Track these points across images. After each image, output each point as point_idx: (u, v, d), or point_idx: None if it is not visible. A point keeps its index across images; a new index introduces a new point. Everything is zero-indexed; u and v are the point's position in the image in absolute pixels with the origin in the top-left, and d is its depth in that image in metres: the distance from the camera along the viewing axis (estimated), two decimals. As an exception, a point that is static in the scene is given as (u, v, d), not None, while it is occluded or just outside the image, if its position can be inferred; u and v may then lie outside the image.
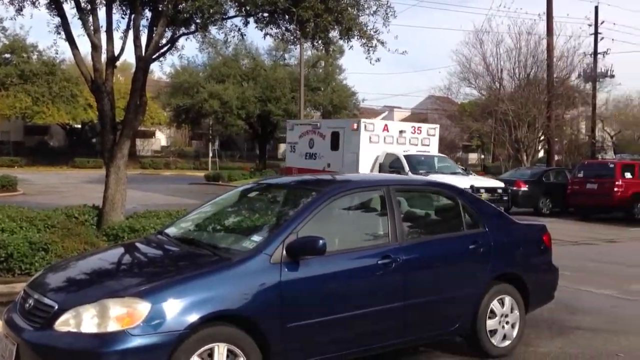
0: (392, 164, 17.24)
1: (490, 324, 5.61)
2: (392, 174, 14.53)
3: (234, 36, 10.79)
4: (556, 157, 36.92)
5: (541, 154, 34.94)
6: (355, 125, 18.01)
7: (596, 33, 32.50)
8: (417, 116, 59.03)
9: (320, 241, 4.43)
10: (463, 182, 15.28)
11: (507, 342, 5.71)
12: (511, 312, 5.76)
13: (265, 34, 10.62)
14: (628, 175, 18.79)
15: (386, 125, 18.60)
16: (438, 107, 41.34)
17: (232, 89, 39.06)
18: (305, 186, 5.77)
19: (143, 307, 3.86)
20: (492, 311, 5.63)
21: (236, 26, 10.68)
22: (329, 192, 5.08)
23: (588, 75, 32.07)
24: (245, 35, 11.70)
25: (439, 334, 5.52)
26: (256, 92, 39.96)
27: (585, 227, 17.26)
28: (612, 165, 19.61)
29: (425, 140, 18.65)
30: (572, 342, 6.16)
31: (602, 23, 32.76)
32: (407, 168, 16.69)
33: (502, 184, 17.65)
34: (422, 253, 5.30)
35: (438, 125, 20.56)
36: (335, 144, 18.75)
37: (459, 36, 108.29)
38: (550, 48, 26.93)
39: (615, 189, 18.37)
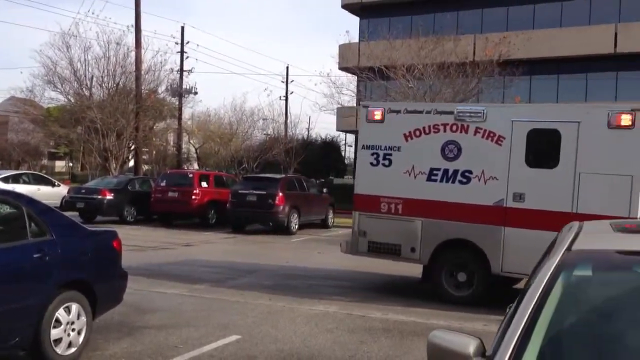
0: None
1: (55, 333, 5.53)
2: None
3: None
4: (146, 167, 38.22)
5: (132, 163, 35.63)
6: (627, 118, 8.19)
7: (182, 52, 34.95)
8: (-3, 118, 53.27)
9: None
10: None
11: (72, 350, 5.71)
12: (78, 319, 5.78)
13: None
14: (204, 184, 20.74)
15: None
16: (19, 109, 38.19)
17: None
18: None
19: None
20: (57, 320, 5.55)
21: None
22: None
23: (175, 90, 34.22)
24: None
25: (-3, 351, 5.17)
26: None
27: (167, 233, 18.36)
28: (190, 175, 21.38)
29: None
30: (138, 341, 6.54)
31: (187, 43, 35.44)
32: None
33: None
34: (-25, 265, 4.89)
35: None
36: (542, 156, 8.82)
37: (44, 36, 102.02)
38: (138, 60, 27.78)
39: (193, 197, 20.07)
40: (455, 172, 9.13)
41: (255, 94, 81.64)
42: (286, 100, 44.07)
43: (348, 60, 30.41)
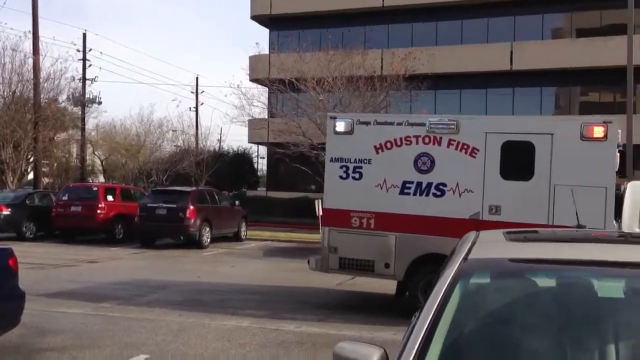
0: None
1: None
2: None
3: None
4: (47, 180, 36.37)
5: (31, 176, 33.86)
6: (600, 130, 8.35)
7: (84, 59, 33.70)
8: None
9: None
10: None
11: (-36, 378, 5.35)
12: (-30, 344, 5.42)
13: None
14: (110, 198, 20.02)
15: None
16: None
17: None
18: None
19: None
20: (-53, 347, 5.18)
21: None
22: None
23: (77, 99, 32.92)
24: None
25: None
26: None
27: (70, 250, 17.54)
28: (95, 188, 20.57)
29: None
30: (38, 365, 6.21)
31: (90, 50, 34.20)
32: None
33: None
34: None
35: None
36: (517, 168, 8.78)
37: None
38: (36, 68, 26.46)
39: (98, 211, 19.32)
40: (429, 185, 8.97)
41: (163, 104, 79.79)
42: (196, 111, 43.40)
43: (258, 72, 30.44)
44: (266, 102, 29.21)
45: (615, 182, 8.36)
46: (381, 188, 9.17)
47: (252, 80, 31.65)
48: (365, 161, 9.32)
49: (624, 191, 8.79)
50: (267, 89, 28.83)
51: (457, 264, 2.59)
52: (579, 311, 2.45)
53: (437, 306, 2.33)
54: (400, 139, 9.16)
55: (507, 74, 30.24)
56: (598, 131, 8.28)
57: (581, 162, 8.32)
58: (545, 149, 8.51)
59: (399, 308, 9.19)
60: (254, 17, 35.80)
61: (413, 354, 2.17)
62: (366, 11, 32.78)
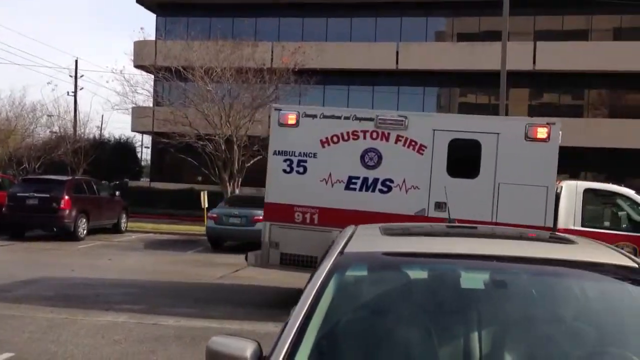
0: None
1: None
2: None
3: None
4: None
5: None
6: (543, 131, 8.54)
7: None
8: None
9: None
10: None
11: None
12: None
13: None
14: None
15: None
16: None
17: None
18: None
19: None
20: None
21: None
22: None
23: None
24: None
25: None
26: None
27: None
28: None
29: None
30: None
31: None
32: None
33: None
34: None
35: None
36: (463, 165, 8.82)
37: None
38: None
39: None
40: (376, 180, 8.89)
41: (37, 87, 74.53)
42: (75, 96, 40.97)
43: (143, 58, 29.25)
44: (151, 89, 28.17)
45: (555, 181, 8.71)
46: (326, 183, 9.01)
47: (137, 66, 30.40)
48: (310, 155, 9.11)
49: (560, 190, 9.28)
50: (152, 76, 27.81)
51: (334, 258, 2.62)
52: (446, 302, 2.56)
53: (312, 299, 2.34)
54: (348, 133, 9.04)
55: (393, 72, 31.26)
56: (542, 132, 8.52)
57: (525, 161, 8.57)
58: (491, 148, 8.67)
59: (282, 300, 9.22)
60: (140, 1, 34.43)
61: (287, 345, 2.16)
62: (257, 3, 32.57)
